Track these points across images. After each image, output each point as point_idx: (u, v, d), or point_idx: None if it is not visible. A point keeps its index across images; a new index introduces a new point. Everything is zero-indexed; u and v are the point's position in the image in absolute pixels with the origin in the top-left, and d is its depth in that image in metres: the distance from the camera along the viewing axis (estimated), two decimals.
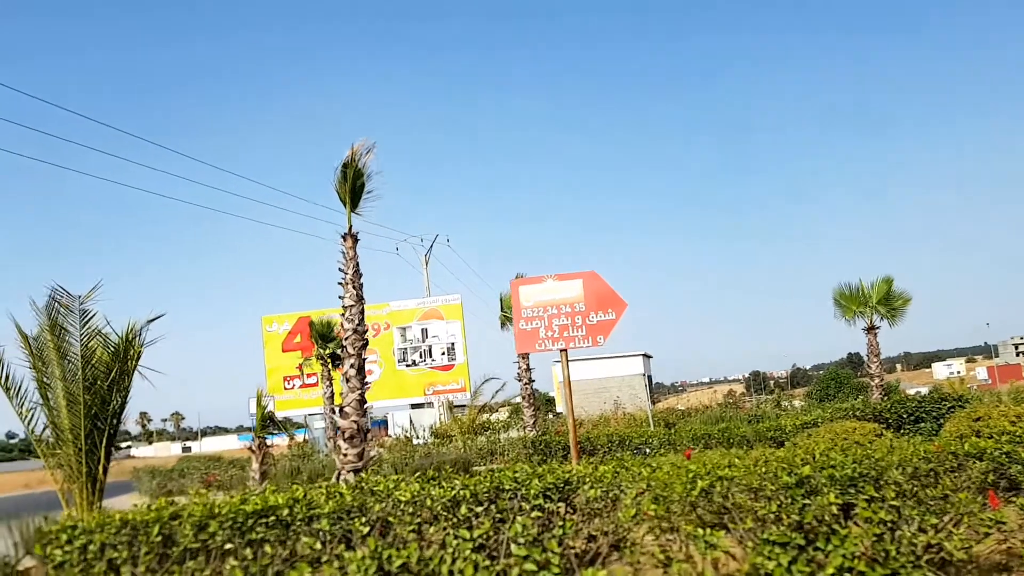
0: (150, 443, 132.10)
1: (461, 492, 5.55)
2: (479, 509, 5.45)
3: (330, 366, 27.17)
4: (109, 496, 21.43)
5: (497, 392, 33.36)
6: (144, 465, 27.88)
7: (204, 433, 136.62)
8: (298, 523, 5.52)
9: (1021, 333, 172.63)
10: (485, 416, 38.08)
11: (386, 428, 48.65)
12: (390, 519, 5.48)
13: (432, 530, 5.43)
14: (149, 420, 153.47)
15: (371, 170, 10.67)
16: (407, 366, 39.22)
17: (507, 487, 5.64)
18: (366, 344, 11.16)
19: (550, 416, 50.49)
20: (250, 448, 12.90)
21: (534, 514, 5.35)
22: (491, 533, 5.31)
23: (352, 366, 10.79)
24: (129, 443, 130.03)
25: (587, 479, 5.64)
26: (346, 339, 10.84)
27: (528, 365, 24.34)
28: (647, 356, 58.16)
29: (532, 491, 5.53)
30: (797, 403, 34.69)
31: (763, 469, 5.46)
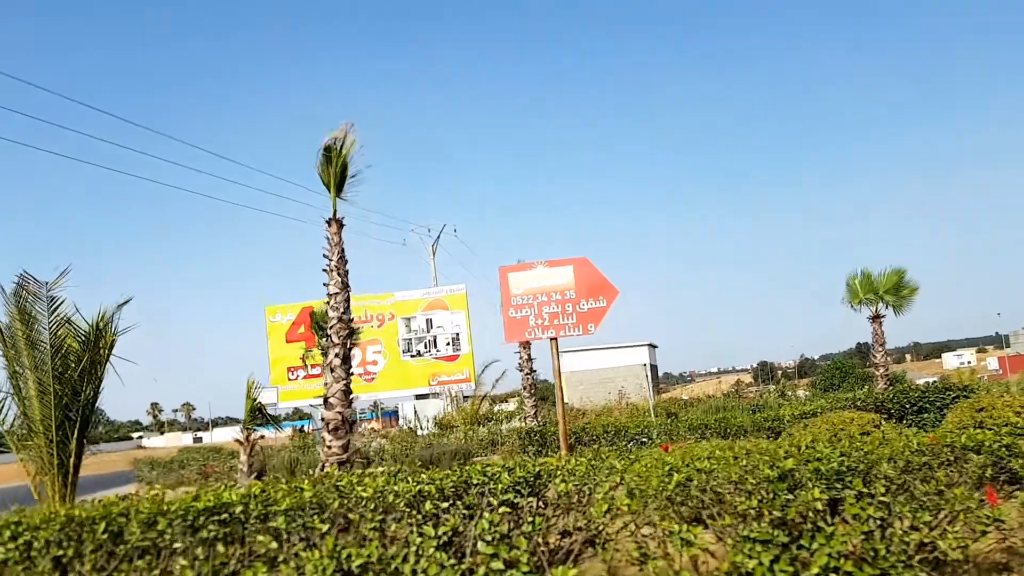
0: (161, 433, 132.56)
1: (426, 487, 5.23)
2: (445, 505, 5.13)
3: None
4: (109, 487, 21.26)
5: (497, 381, 33.11)
6: (144, 456, 27.72)
7: (215, 423, 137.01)
8: (253, 521, 5.21)
9: None
10: (488, 406, 37.84)
11: (396, 418, 48.48)
12: (350, 516, 5.16)
13: (395, 527, 5.11)
14: (160, 411, 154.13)
15: (355, 153, 10.35)
16: (412, 356, 38.95)
17: (475, 481, 5.31)
18: (352, 333, 10.84)
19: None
20: (238, 440, 12.63)
21: (502, 510, 5.03)
22: (459, 529, 5.00)
23: (337, 356, 10.47)
24: (140, 433, 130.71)
25: (558, 473, 5.31)
26: (331, 328, 10.51)
27: (529, 355, 24.01)
28: (652, 346, 57.80)
29: (501, 486, 5.21)
30: (801, 393, 34.25)
31: (744, 462, 5.11)
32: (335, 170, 10.21)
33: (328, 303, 10.59)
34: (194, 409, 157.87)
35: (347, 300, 10.63)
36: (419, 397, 39.89)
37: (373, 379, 38.56)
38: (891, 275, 18.11)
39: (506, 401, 51.52)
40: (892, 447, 4.83)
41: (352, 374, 10.81)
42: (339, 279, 10.50)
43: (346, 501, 5.26)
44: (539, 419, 23.36)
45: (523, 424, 24.21)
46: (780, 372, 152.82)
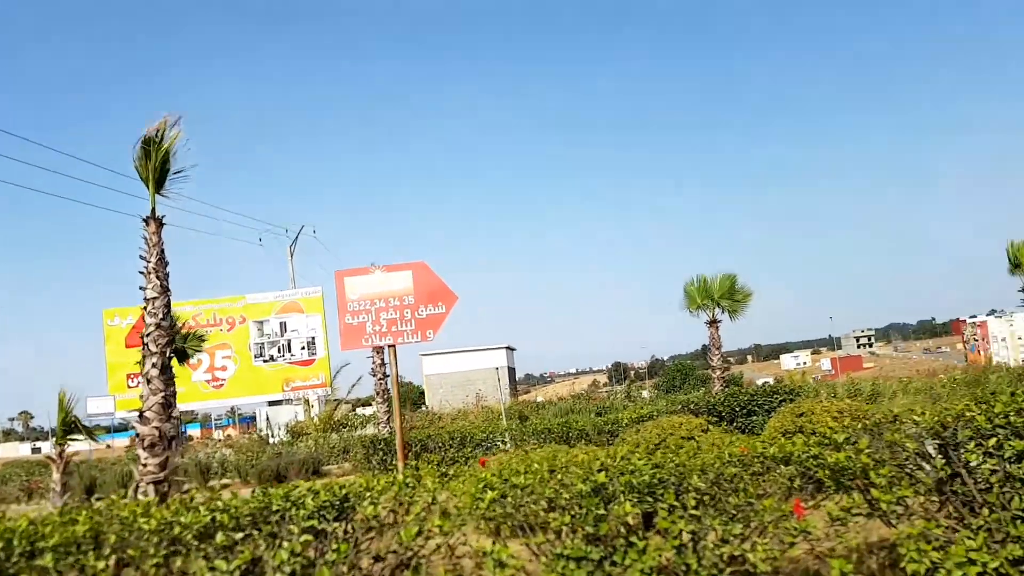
0: None
1: (219, 516, 4.68)
2: (239, 536, 4.61)
3: (175, 363, 25.24)
4: None
5: (353, 386, 32.27)
6: None
7: (55, 433, 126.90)
8: (17, 559, 4.51)
9: (862, 327, 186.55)
10: (351, 410, 36.71)
11: (255, 424, 46.32)
12: (131, 552, 4.54)
13: (182, 562, 4.54)
14: None
15: (179, 147, 9.51)
16: (264, 361, 37.30)
17: (275, 508, 4.81)
18: (171, 341, 10.01)
19: (423, 408, 49.52)
20: (49, 457, 11.41)
21: (303, 538, 4.56)
22: (263, 557, 4.52)
23: (155, 366, 9.60)
24: None
25: (367, 495, 4.89)
26: (147, 335, 9.63)
27: (383, 360, 23.37)
28: (510, 349, 58.15)
29: (304, 512, 4.73)
30: (646, 394, 35.27)
31: (560, 476, 4.88)
32: (154, 164, 9.34)
33: (146, 308, 9.70)
34: (32, 417, 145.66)
35: (167, 305, 9.78)
36: (272, 403, 38.28)
37: (222, 386, 36.67)
38: (724, 280, 18.67)
39: (370, 405, 50.42)
40: (704, 458, 4.73)
41: (172, 387, 9.99)
42: (158, 282, 9.62)
43: (127, 534, 4.65)
44: (393, 425, 22.79)
45: (378, 430, 23.56)
46: (633, 372, 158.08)
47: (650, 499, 4.62)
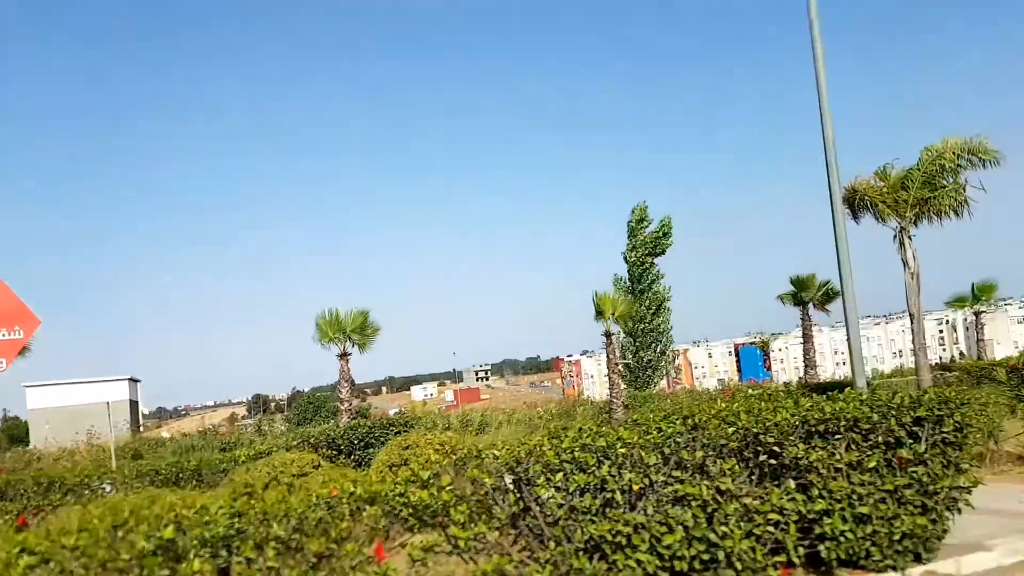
0: None
1: None
2: None
3: None
4: None
5: None
6: None
7: None
8: None
9: (481, 362, 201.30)
10: None
11: None
12: None
13: None
14: None
15: None
16: None
17: None
18: None
19: (26, 447, 41.84)
20: None
21: None
22: None
23: None
24: None
25: None
26: None
27: None
28: (134, 380, 52.23)
29: None
30: (279, 427, 33.85)
31: (124, 533, 4.12)
32: None
33: None
34: None
35: None
36: None
37: None
38: (357, 316, 18.71)
39: None
40: (290, 502, 4.32)
41: None
42: None
43: None
44: None
45: None
46: (274, 404, 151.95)
47: (224, 553, 4.07)
